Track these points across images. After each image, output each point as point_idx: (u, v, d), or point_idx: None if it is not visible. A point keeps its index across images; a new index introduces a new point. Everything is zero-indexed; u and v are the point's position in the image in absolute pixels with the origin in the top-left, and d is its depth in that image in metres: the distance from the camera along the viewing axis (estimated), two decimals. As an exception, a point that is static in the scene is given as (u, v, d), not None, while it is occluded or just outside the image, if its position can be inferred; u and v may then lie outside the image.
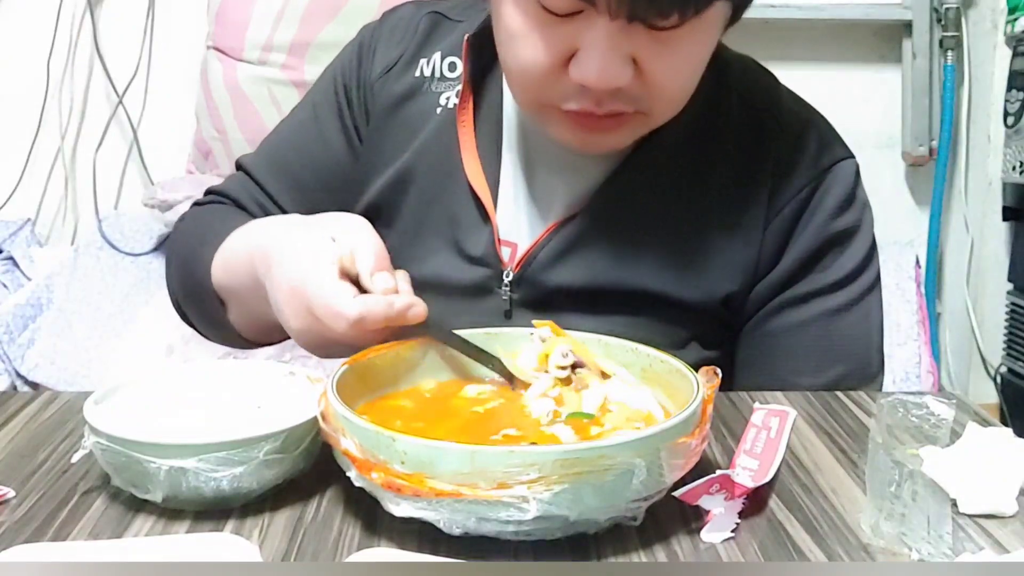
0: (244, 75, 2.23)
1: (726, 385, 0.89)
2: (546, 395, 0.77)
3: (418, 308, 0.78)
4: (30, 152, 2.40)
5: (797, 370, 0.96)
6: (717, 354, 0.97)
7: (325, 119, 1.05)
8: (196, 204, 1.12)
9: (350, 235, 0.81)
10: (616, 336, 0.81)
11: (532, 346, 0.81)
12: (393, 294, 0.78)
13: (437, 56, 1.01)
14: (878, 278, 1.00)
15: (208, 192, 1.11)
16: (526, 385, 0.78)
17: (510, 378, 0.80)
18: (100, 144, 2.41)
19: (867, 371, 0.98)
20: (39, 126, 2.39)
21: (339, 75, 1.05)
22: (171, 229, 1.14)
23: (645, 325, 0.93)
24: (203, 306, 1.00)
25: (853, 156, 0.99)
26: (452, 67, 1.01)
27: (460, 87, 0.98)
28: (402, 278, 0.82)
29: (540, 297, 0.95)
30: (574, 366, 0.79)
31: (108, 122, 2.41)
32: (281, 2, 2.20)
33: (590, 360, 0.79)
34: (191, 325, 1.07)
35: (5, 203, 2.42)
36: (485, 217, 0.96)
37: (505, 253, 0.96)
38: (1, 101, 2.42)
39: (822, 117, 1.02)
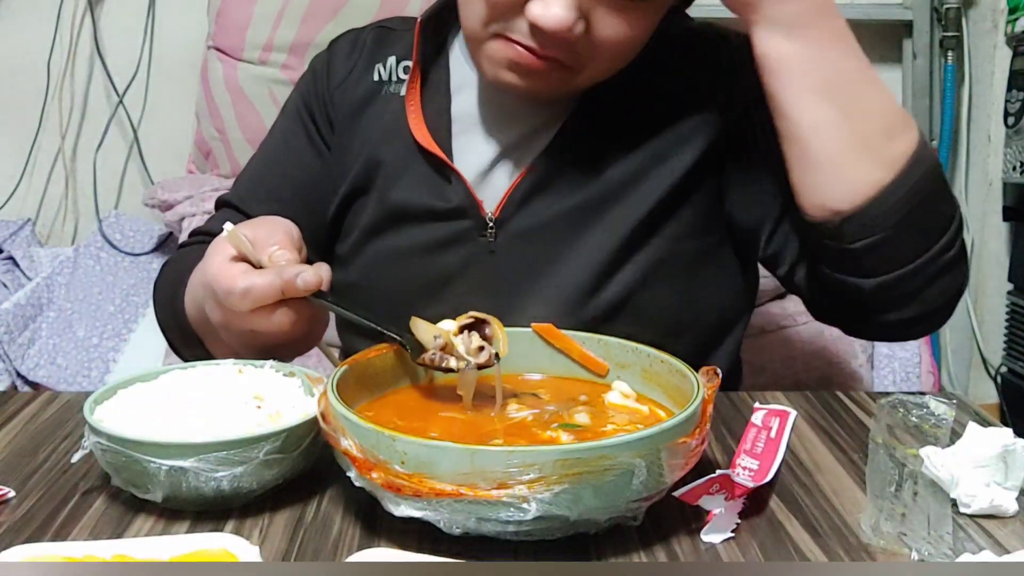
0: (244, 75, 2.22)
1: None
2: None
3: (307, 275, 0.80)
4: (30, 152, 2.40)
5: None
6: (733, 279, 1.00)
7: (293, 140, 1.09)
8: (181, 246, 1.14)
9: (252, 225, 0.85)
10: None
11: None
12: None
13: (392, 60, 1.06)
14: None
15: (193, 233, 1.13)
16: (429, 359, 0.77)
17: (415, 351, 0.78)
18: (100, 144, 2.40)
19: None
20: (39, 126, 2.39)
21: (299, 99, 1.10)
22: (165, 260, 1.18)
23: (628, 241, 0.96)
24: (188, 343, 1.02)
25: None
26: (406, 70, 1.04)
27: (411, 67, 1.01)
28: (323, 269, 0.83)
29: (521, 235, 0.97)
30: (471, 327, 0.79)
31: (108, 122, 2.41)
32: (281, 2, 2.19)
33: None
34: (184, 360, 1.08)
35: (5, 203, 2.42)
36: (449, 177, 0.98)
37: (479, 201, 0.98)
38: (1, 101, 2.42)
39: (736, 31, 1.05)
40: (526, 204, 0.97)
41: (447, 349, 0.77)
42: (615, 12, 0.86)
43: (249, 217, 1.06)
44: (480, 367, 0.77)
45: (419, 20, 1.01)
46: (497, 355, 0.78)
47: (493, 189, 0.99)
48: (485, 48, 0.92)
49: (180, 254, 1.12)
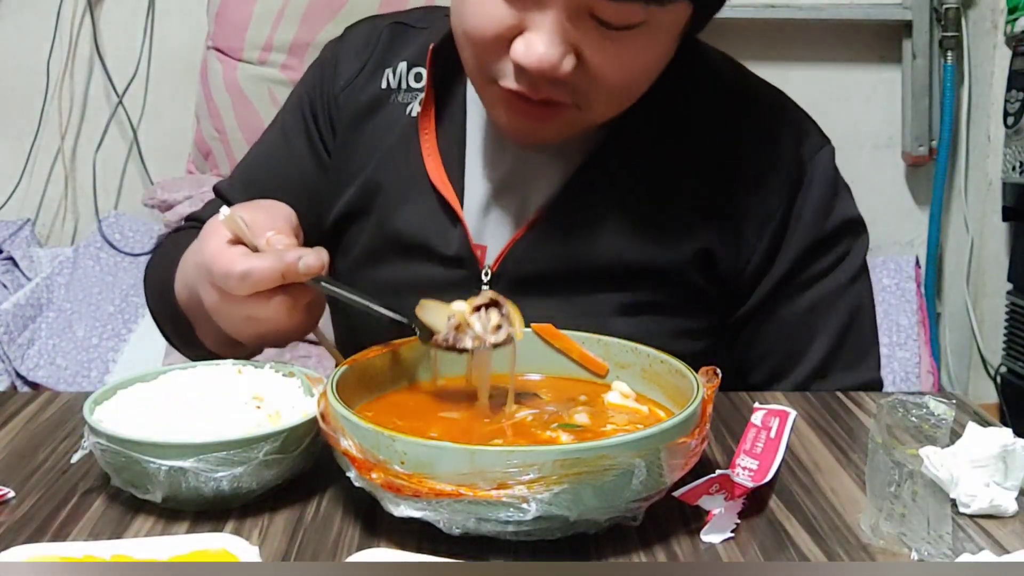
0: (244, 75, 2.23)
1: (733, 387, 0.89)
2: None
3: (309, 258, 0.77)
4: (30, 152, 2.40)
5: (802, 350, 0.97)
6: (707, 345, 0.97)
7: (293, 138, 1.06)
8: (174, 231, 1.13)
9: (250, 208, 0.82)
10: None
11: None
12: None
13: (403, 66, 1.01)
14: (866, 261, 1.01)
15: (187, 219, 1.12)
16: (443, 340, 0.76)
17: (425, 333, 0.77)
18: (100, 144, 2.40)
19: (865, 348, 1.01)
20: (39, 126, 2.39)
21: (304, 93, 1.06)
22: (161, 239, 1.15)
23: (625, 307, 0.94)
24: (177, 327, 1.01)
25: (828, 141, 1.00)
26: (418, 77, 1.00)
27: (424, 96, 0.97)
28: (320, 253, 0.80)
29: (516, 289, 0.93)
30: (488, 305, 0.76)
31: (108, 122, 2.41)
32: (281, 2, 2.20)
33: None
34: (173, 346, 1.09)
35: (5, 203, 2.42)
36: (454, 219, 0.95)
37: (477, 253, 0.95)
38: (1, 101, 2.42)
39: (795, 104, 1.02)
40: (525, 259, 0.94)
41: (460, 329, 0.76)
42: (606, 42, 0.81)
43: None
44: (495, 346, 0.75)
45: (430, 48, 0.97)
46: (513, 337, 0.76)
47: (495, 236, 0.96)
48: (485, 95, 0.90)
49: (173, 238, 1.10)
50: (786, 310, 0.97)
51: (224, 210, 0.79)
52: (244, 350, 0.93)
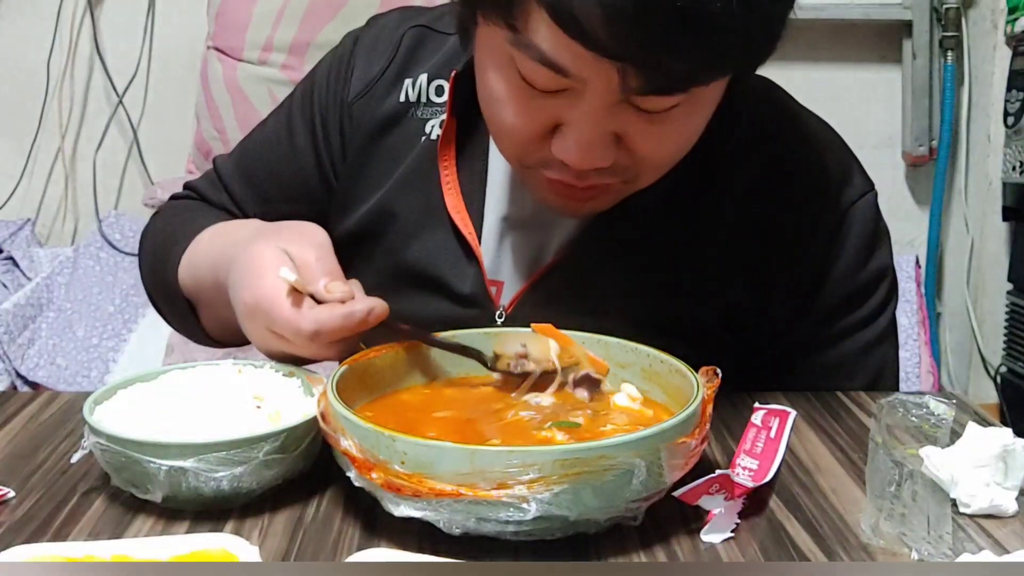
0: (244, 75, 2.23)
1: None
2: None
3: (378, 309, 0.77)
4: (30, 152, 2.40)
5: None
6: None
7: (298, 134, 1.01)
8: (173, 198, 1.11)
9: (304, 247, 0.80)
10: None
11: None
12: (350, 301, 0.77)
13: (423, 78, 0.96)
14: (895, 314, 1.00)
15: (186, 186, 1.10)
16: (512, 377, 0.79)
17: (492, 366, 0.80)
18: (100, 144, 2.41)
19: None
20: (39, 126, 2.40)
21: (317, 91, 1.01)
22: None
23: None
24: (172, 304, 0.99)
25: (871, 186, 0.96)
26: (439, 91, 0.96)
27: (445, 116, 0.93)
28: (355, 285, 0.80)
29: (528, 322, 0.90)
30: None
31: (108, 122, 2.41)
32: (281, 2, 2.20)
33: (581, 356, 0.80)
34: (167, 322, 1.07)
35: (5, 203, 2.42)
36: (470, 255, 0.92)
37: (491, 292, 0.93)
38: (1, 101, 2.42)
39: (840, 142, 0.98)
40: (540, 305, 0.90)
41: (523, 355, 0.79)
42: (648, 125, 0.77)
43: (230, 195, 1.04)
44: (545, 372, 0.79)
45: (452, 75, 0.92)
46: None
47: (510, 274, 0.93)
48: (525, 178, 0.85)
49: (171, 207, 1.07)
50: (810, 363, 0.95)
51: (285, 272, 0.76)
52: (239, 339, 0.91)
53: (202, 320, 0.99)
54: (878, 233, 0.96)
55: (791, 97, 0.99)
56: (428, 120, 0.96)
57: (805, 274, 0.92)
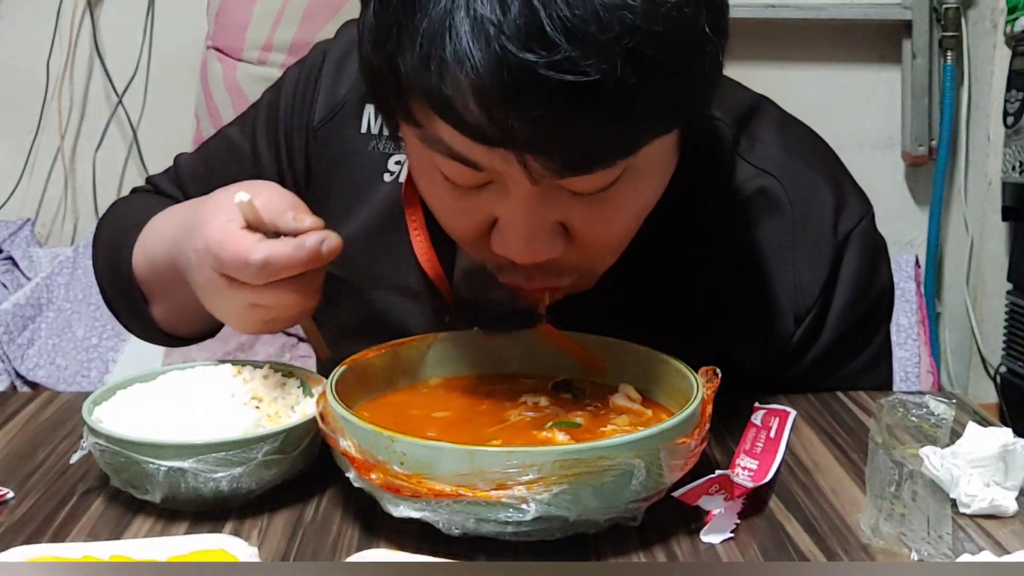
0: (244, 75, 2.23)
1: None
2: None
3: (332, 241, 0.71)
4: (30, 152, 2.40)
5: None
6: None
7: (261, 147, 0.97)
8: (134, 190, 1.08)
9: (264, 187, 0.75)
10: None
11: None
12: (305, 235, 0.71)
13: None
14: (889, 334, 0.98)
15: (147, 180, 1.07)
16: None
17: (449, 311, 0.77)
18: (100, 144, 2.41)
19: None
20: (39, 126, 2.40)
21: (283, 106, 0.96)
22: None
23: None
24: (127, 295, 0.95)
25: (868, 208, 0.91)
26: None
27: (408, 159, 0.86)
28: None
29: None
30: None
31: (108, 122, 2.41)
32: (281, 2, 2.20)
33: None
34: (116, 316, 1.02)
35: (5, 203, 2.42)
36: (440, 309, 0.87)
37: None
38: (1, 101, 2.42)
39: (832, 162, 0.92)
40: None
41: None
42: (590, 207, 0.70)
43: (187, 196, 0.98)
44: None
45: None
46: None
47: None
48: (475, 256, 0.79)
49: (128, 199, 1.04)
50: (807, 385, 0.92)
51: (241, 195, 0.71)
52: (196, 325, 0.88)
53: (155, 313, 0.95)
54: (877, 251, 0.92)
55: (776, 118, 0.93)
56: (391, 156, 0.91)
57: (807, 310, 0.88)
